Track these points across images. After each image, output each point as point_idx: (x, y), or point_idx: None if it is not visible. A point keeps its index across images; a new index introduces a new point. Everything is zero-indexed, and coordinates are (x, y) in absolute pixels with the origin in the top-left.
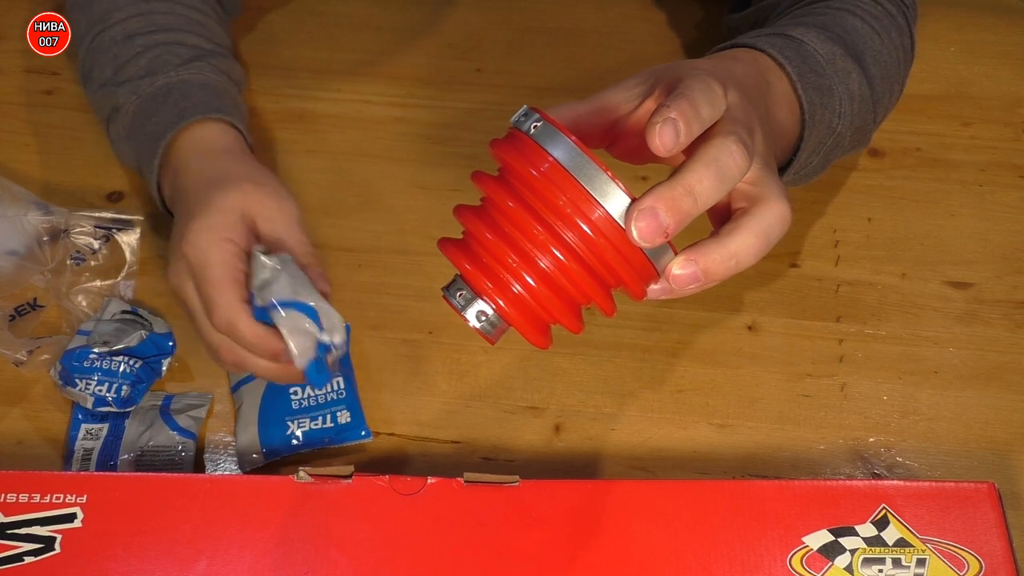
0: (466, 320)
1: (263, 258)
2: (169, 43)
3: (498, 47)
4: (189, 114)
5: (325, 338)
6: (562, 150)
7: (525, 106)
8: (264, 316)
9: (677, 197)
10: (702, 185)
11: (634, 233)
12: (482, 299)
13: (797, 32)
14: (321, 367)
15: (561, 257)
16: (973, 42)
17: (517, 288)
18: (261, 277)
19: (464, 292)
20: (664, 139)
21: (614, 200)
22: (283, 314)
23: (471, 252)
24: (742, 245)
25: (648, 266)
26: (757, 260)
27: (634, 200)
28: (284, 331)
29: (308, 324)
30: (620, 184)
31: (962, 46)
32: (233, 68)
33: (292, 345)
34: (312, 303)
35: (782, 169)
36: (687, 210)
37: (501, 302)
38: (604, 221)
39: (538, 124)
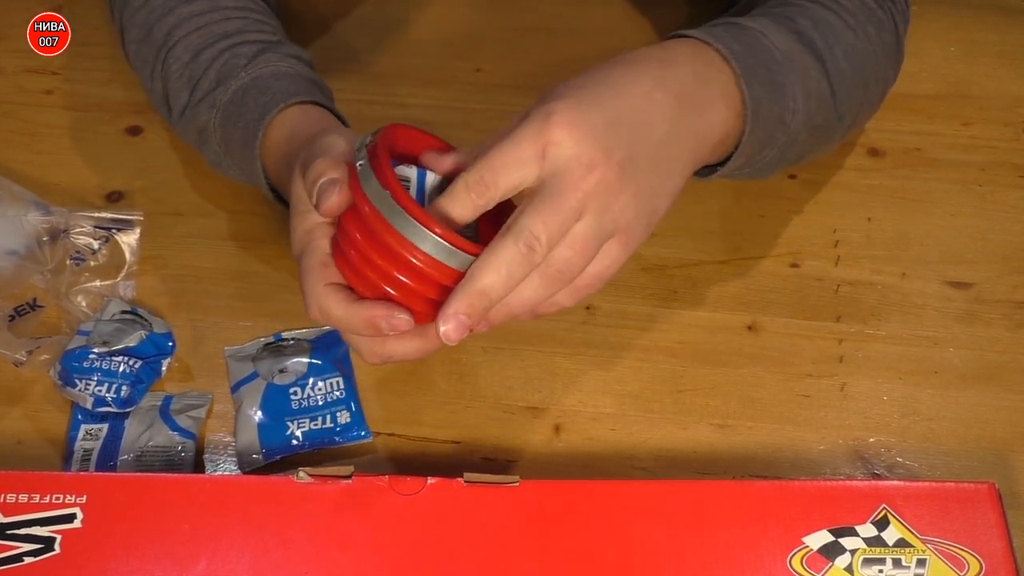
0: None
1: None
2: (233, 46)
3: (498, 47)
4: (272, 107)
5: None
6: (374, 191)
7: (371, 133)
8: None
9: (474, 301)
10: (496, 291)
11: (442, 333)
12: None
13: (757, 23)
14: None
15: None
16: (973, 42)
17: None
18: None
19: None
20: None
21: (426, 242)
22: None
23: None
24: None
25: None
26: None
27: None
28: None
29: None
30: (429, 226)
31: (962, 46)
32: (301, 52)
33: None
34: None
35: (722, 162)
36: (485, 307)
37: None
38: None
39: (362, 163)
